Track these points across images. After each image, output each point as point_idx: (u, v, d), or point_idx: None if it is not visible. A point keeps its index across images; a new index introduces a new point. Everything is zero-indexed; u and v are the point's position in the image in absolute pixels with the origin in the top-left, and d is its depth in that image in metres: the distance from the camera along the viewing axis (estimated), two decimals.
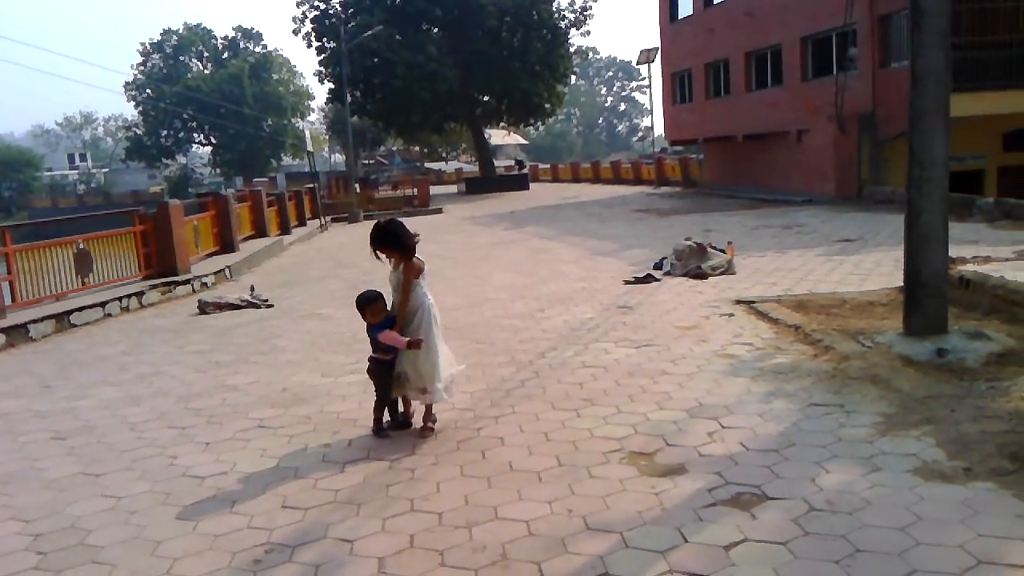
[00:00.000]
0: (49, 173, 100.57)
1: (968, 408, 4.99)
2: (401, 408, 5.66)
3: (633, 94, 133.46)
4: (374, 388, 5.52)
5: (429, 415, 5.50)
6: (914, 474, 4.19)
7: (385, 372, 5.39)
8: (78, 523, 4.36)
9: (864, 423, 4.97)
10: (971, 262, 8.78)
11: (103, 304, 11.38)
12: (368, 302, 5.48)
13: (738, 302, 9.04)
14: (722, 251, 11.74)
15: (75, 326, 10.67)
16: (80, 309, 10.94)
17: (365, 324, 5.54)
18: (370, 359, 5.49)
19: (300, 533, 4.05)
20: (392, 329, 5.37)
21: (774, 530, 3.70)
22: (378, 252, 5.47)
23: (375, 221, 5.67)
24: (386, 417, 5.55)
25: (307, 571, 3.66)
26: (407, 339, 5.28)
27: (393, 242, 5.39)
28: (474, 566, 3.58)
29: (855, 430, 4.87)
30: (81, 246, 12.20)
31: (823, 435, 4.83)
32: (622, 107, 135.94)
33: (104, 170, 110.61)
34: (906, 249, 6.69)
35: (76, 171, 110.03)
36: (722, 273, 11.11)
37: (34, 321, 10.07)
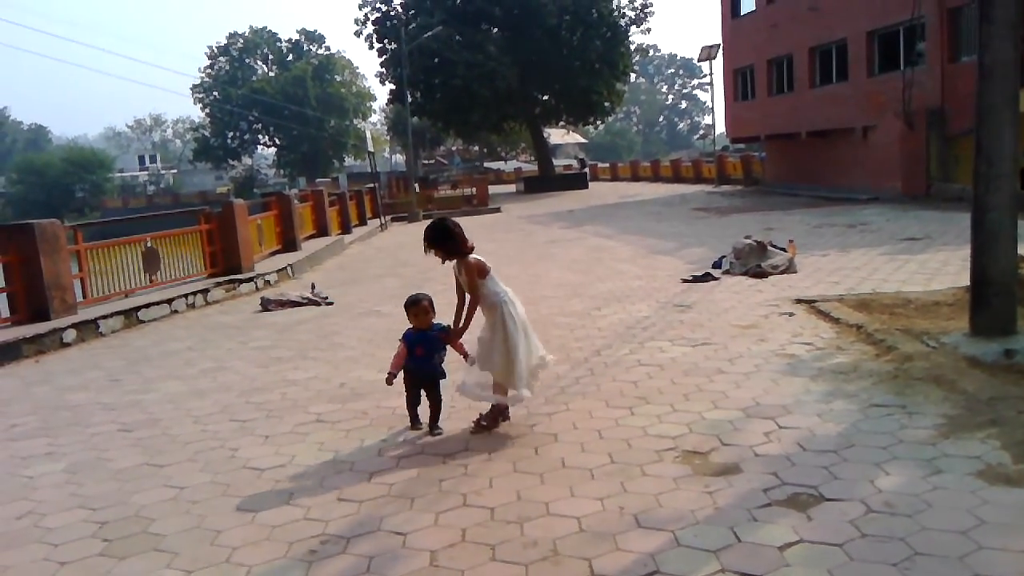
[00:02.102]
0: (120, 174, 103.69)
1: None
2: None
3: (694, 91, 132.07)
4: (407, 393, 5.60)
5: (497, 412, 5.49)
6: (978, 477, 4.07)
7: (415, 379, 5.53)
8: (142, 512, 4.49)
9: (926, 425, 4.85)
10: None
11: (170, 301, 11.70)
12: (411, 304, 5.54)
13: (798, 301, 8.88)
14: (783, 250, 11.56)
15: (143, 322, 10.99)
16: (148, 306, 11.26)
17: (410, 329, 5.56)
18: (404, 369, 5.52)
19: (355, 525, 4.12)
20: (450, 335, 5.49)
21: (830, 531, 3.63)
22: (434, 251, 5.45)
23: (430, 220, 5.70)
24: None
25: (361, 563, 3.71)
26: (468, 355, 5.46)
27: (443, 240, 5.37)
28: (525, 561, 3.59)
29: (917, 431, 4.75)
30: (149, 244, 12.55)
31: (883, 436, 4.72)
32: (683, 105, 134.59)
33: (173, 171, 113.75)
34: (973, 247, 6.50)
35: (146, 172, 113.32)
36: (783, 272, 10.94)
37: (104, 317, 10.40)
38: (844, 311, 7.96)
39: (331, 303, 11.66)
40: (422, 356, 5.43)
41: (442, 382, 5.56)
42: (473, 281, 5.38)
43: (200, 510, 4.46)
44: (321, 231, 21.27)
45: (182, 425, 6.09)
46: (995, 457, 4.29)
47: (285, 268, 15.19)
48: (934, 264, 10.84)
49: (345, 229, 23.75)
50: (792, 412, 5.29)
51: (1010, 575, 3.15)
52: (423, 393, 5.57)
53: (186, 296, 12.10)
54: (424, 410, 5.58)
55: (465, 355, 5.50)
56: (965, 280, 7.01)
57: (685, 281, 11.01)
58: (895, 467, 4.28)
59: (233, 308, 12.08)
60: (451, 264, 5.51)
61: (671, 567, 3.43)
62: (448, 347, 5.56)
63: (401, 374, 5.53)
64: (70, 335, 9.77)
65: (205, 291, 12.61)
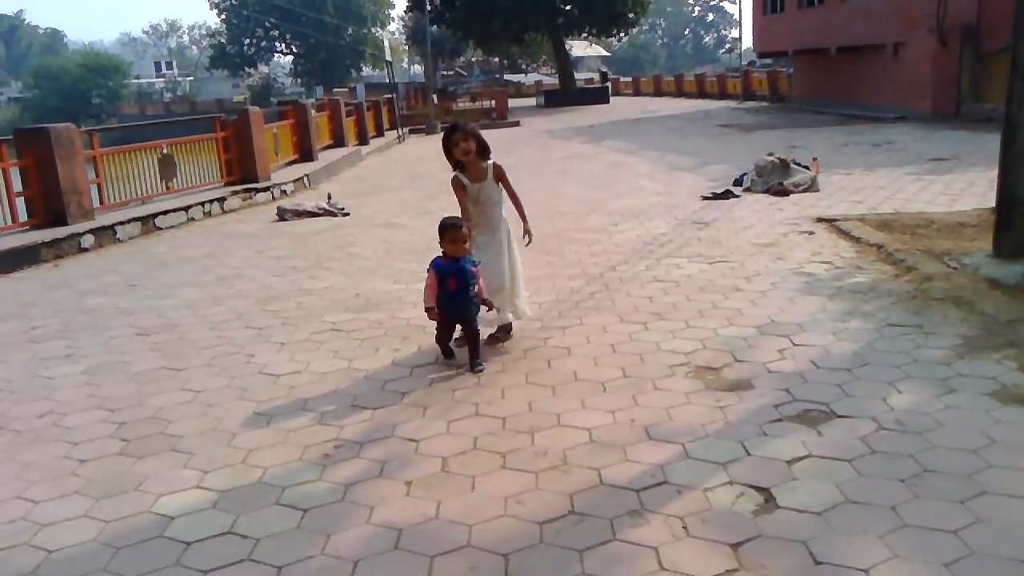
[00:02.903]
0: (136, 81, 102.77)
1: None
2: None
3: (722, 3, 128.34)
4: (438, 329, 5.12)
5: (507, 329, 5.48)
6: (992, 397, 4.05)
7: (448, 316, 5.01)
8: (159, 414, 4.56)
9: (943, 345, 4.81)
10: None
11: (187, 208, 11.70)
12: (448, 228, 4.91)
13: (819, 220, 8.77)
14: (806, 168, 11.36)
15: (160, 229, 11.02)
16: (165, 213, 11.27)
17: (440, 258, 4.97)
18: (430, 312, 4.98)
19: (368, 431, 4.17)
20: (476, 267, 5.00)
21: (839, 447, 3.64)
22: (474, 144, 5.15)
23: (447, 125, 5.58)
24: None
25: (374, 467, 3.77)
26: (485, 295, 5.03)
27: (481, 137, 5.19)
28: (534, 469, 3.63)
29: (932, 351, 4.72)
30: (165, 151, 12.49)
31: (898, 355, 4.70)
32: (709, 17, 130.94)
33: (189, 78, 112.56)
34: (1001, 166, 6.33)
35: (162, 79, 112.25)
36: (805, 190, 10.77)
37: (121, 223, 10.43)
38: (865, 230, 7.85)
39: (347, 214, 11.63)
40: (456, 291, 4.88)
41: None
42: (507, 181, 5.36)
43: (216, 413, 4.53)
44: (338, 142, 21.09)
45: (199, 331, 6.15)
46: (1010, 378, 4.26)
47: (301, 178, 15.11)
48: (960, 185, 10.64)
49: (362, 140, 23.53)
50: (807, 330, 5.26)
51: (1018, 493, 3.16)
52: (457, 327, 5.15)
53: (203, 204, 12.10)
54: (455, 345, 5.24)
55: (483, 301, 5.04)
56: (991, 202, 6.87)
57: (705, 198, 10.87)
58: (908, 386, 4.26)
59: (249, 217, 12.08)
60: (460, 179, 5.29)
61: (679, 478, 3.46)
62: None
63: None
64: (88, 240, 9.81)
65: (222, 199, 12.59)
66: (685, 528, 3.08)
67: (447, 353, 5.15)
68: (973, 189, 10.16)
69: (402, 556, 3.02)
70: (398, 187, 14.75)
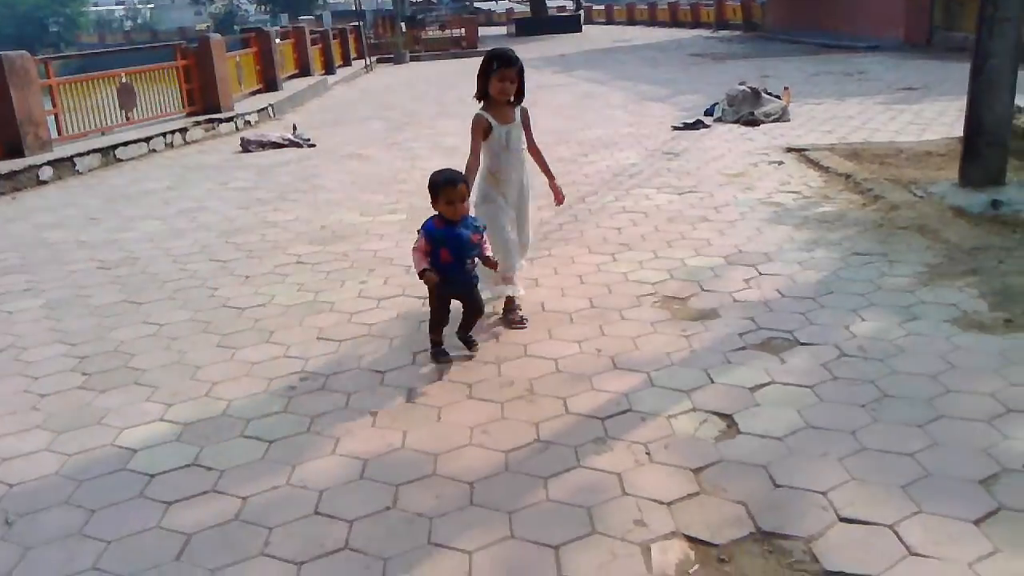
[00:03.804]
0: (95, 8, 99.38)
1: (1017, 260, 4.82)
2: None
3: None
4: (430, 305, 4.16)
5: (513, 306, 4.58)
6: (952, 324, 4.10)
7: (442, 293, 4.04)
8: (121, 347, 4.50)
9: (906, 273, 4.85)
10: None
11: (147, 140, 11.43)
12: (444, 184, 3.90)
13: (789, 150, 8.75)
14: (777, 97, 11.28)
15: (120, 161, 10.77)
16: (125, 144, 11.00)
17: (434, 219, 3.97)
18: (425, 275, 3.90)
19: (334, 363, 4.15)
20: (484, 240, 4.05)
21: (802, 374, 3.67)
22: (495, 89, 4.26)
23: (487, 51, 4.49)
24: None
25: (340, 398, 3.75)
26: (488, 255, 4.08)
27: (519, 77, 4.28)
28: (500, 399, 3.64)
29: (896, 279, 4.76)
30: (124, 80, 12.13)
31: (862, 284, 4.73)
32: None
33: (150, 6, 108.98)
34: (969, 94, 6.31)
35: (122, 7, 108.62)
36: (776, 120, 10.72)
37: (80, 155, 10.16)
38: (834, 160, 7.84)
39: (313, 145, 11.42)
40: (450, 263, 3.93)
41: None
42: (532, 134, 4.54)
43: (180, 346, 4.48)
44: (303, 71, 20.60)
45: (161, 264, 6.05)
46: (971, 305, 4.31)
47: (266, 108, 14.78)
48: (929, 114, 10.64)
49: (328, 70, 23.00)
50: (774, 260, 5.28)
51: (973, 417, 3.21)
52: (454, 305, 4.18)
53: (164, 135, 11.82)
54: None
55: (487, 262, 4.10)
56: (959, 131, 6.87)
57: (676, 128, 10.80)
58: (872, 313, 4.30)
59: (212, 148, 11.82)
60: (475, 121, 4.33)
61: (644, 406, 3.48)
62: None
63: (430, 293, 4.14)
64: (46, 172, 9.56)
65: (184, 130, 12.30)
66: (648, 454, 3.11)
67: (437, 347, 4.12)
68: (942, 119, 10.17)
69: (368, 485, 3.03)
70: (365, 118, 14.48)
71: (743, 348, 4.00)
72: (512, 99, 4.33)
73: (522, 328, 4.41)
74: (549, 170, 4.68)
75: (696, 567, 2.49)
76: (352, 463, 3.18)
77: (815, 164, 7.87)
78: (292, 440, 3.40)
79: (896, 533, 2.56)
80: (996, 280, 4.59)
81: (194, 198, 8.31)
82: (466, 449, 3.24)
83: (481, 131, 4.29)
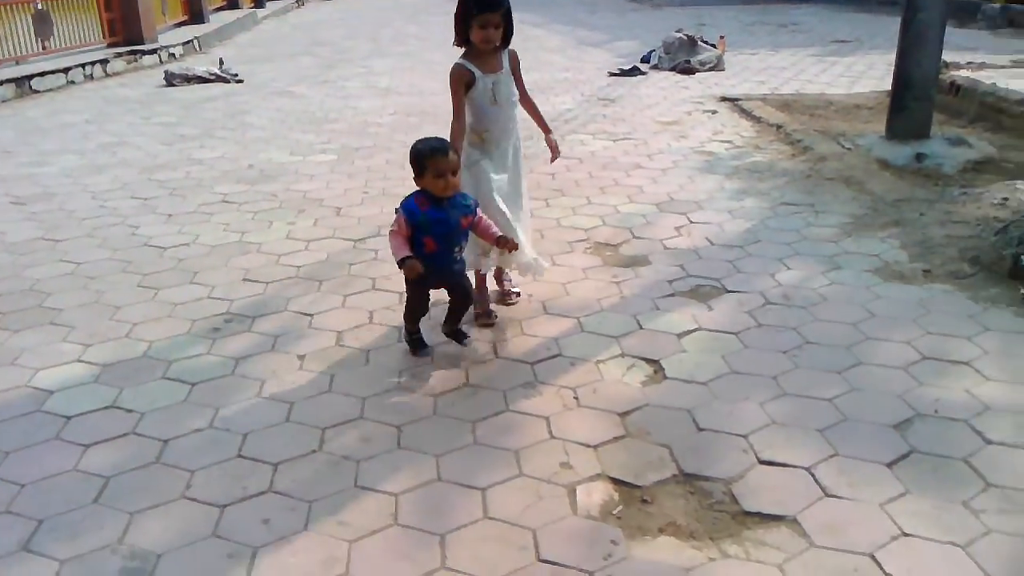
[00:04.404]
0: None
1: (937, 212, 4.96)
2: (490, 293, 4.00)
3: None
4: (407, 293, 3.51)
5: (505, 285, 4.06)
6: (874, 274, 4.21)
7: (421, 280, 3.35)
8: (37, 286, 4.33)
9: (832, 223, 4.95)
10: (965, 68, 8.49)
11: (66, 71, 10.92)
12: (431, 152, 3.23)
13: (723, 99, 8.80)
14: (713, 46, 11.29)
15: (37, 92, 10.28)
16: (42, 75, 10.50)
17: (416, 197, 3.30)
18: (406, 264, 3.24)
19: (260, 305, 4.06)
20: (479, 217, 3.41)
21: (728, 321, 3.74)
22: (477, 36, 3.53)
23: None
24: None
25: (266, 340, 3.68)
26: (497, 234, 3.43)
27: (504, 21, 3.58)
28: (430, 343, 3.61)
29: (822, 230, 4.85)
30: (40, 6, 11.51)
31: (789, 233, 4.81)
32: None
33: None
34: (899, 48, 6.40)
35: None
36: (711, 69, 10.75)
37: None
38: (766, 111, 7.92)
39: (241, 81, 11.06)
40: (436, 253, 3.30)
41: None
42: (523, 79, 3.87)
43: (98, 286, 4.33)
44: (231, 3, 19.83)
45: (79, 200, 5.81)
46: (892, 255, 4.42)
47: (191, 41, 14.22)
48: (860, 67, 10.79)
49: (258, 3, 22.19)
50: (704, 208, 5.33)
51: (890, 364, 3.32)
52: (435, 294, 3.59)
53: (83, 66, 11.30)
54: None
55: (497, 241, 3.44)
56: (888, 85, 6.98)
57: (612, 75, 10.75)
58: (797, 262, 4.39)
59: (135, 81, 11.36)
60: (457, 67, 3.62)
61: (573, 351, 3.50)
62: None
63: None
64: None
65: (104, 62, 11.78)
66: (576, 398, 3.13)
67: (416, 343, 3.53)
68: (872, 72, 10.33)
69: (293, 428, 2.99)
70: (296, 54, 14.05)
71: (672, 295, 4.04)
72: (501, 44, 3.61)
73: (489, 323, 3.76)
74: (545, 123, 4.05)
75: (620, 508, 2.53)
76: (278, 406, 3.13)
77: (747, 114, 7.94)
78: (215, 383, 3.33)
79: (812, 475, 2.64)
80: (917, 231, 4.71)
81: (115, 133, 7.99)
82: (395, 393, 3.22)
83: (462, 84, 3.57)
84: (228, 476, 2.71)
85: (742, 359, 3.39)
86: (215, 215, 5.45)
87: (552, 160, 4.15)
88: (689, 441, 2.85)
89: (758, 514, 2.47)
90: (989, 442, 2.79)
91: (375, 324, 3.83)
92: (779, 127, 7.21)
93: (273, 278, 4.39)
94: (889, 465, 2.68)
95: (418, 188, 3.31)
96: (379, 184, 6.02)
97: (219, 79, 11.00)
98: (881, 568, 2.24)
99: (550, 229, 5.02)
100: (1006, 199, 4.97)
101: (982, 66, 8.75)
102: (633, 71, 10.77)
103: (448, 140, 3.34)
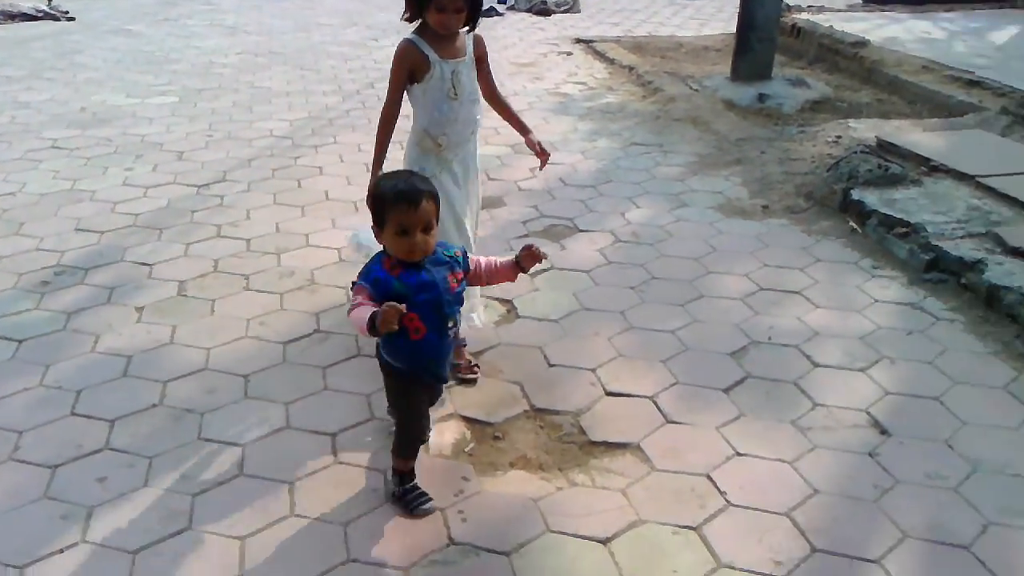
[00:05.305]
0: None
1: (777, 151, 5.18)
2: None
3: None
4: (396, 412, 2.47)
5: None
6: (717, 210, 4.37)
7: (415, 378, 2.28)
8: None
9: (679, 163, 5.09)
10: (805, 11, 8.85)
11: None
12: (400, 198, 2.11)
13: (578, 41, 8.84)
14: None
15: None
16: None
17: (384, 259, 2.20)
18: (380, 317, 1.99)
19: (94, 256, 3.83)
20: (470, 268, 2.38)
21: (579, 259, 3.81)
22: (434, 19, 2.66)
23: None
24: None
25: (100, 293, 3.49)
26: (511, 260, 2.50)
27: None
28: (280, 290, 3.52)
29: (669, 169, 4.99)
30: None
31: (639, 173, 4.93)
32: None
33: None
34: None
35: None
36: (566, 11, 10.77)
37: None
38: (619, 52, 8.02)
39: (72, 19, 10.25)
40: (427, 336, 2.17)
41: None
42: (490, 70, 3.06)
43: None
44: None
45: None
46: (734, 192, 4.61)
47: None
48: (710, 10, 11.06)
49: None
50: (558, 149, 5.36)
51: (730, 295, 3.47)
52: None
53: None
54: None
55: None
56: (735, 27, 7.18)
57: None
58: (646, 201, 4.50)
59: None
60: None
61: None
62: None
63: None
64: None
65: None
66: None
67: (417, 497, 2.32)
68: (720, 15, 10.61)
69: (131, 383, 2.86)
70: None
71: (526, 235, 4.08)
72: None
73: (472, 377, 2.90)
74: (523, 123, 3.22)
75: (472, 445, 2.56)
76: (114, 360, 2.98)
77: (601, 56, 8.02)
78: (46, 339, 3.13)
79: (656, 404, 2.74)
80: (757, 169, 4.91)
81: None
82: (241, 342, 3.13)
83: (407, 69, 2.76)
84: (60, 436, 2.57)
85: (592, 296, 3.47)
86: (44, 162, 5.08)
87: (541, 166, 3.18)
88: (540, 377, 2.91)
89: (604, 443, 2.55)
90: (817, 365, 2.97)
91: (220, 272, 3.69)
92: (631, 69, 7.32)
93: (108, 227, 4.15)
94: (726, 391, 2.81)
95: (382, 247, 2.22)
96: (224, 127, 5.74)
97: (47, 16, 10.17)
98: (716, 486, 2.37)
99: None
100: (839, 137, 5.24)
101: (821, 9, 9.15)
102: (490, 11, 10.64)
103: (423, 183, 2.19)
